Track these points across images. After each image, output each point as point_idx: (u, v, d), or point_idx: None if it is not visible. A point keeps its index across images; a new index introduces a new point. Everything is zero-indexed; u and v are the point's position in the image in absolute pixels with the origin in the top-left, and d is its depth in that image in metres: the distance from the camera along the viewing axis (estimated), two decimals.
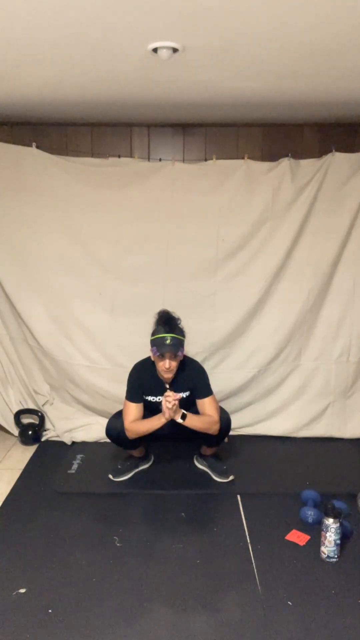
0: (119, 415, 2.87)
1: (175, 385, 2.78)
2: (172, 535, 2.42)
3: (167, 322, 2.72)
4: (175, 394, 2.64)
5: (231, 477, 2.91)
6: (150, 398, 2.81)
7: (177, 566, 2.21)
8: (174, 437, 2.90)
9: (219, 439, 2.93)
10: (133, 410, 2.75)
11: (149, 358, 2.80)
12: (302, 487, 2.75)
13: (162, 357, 2.65)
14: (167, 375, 2.71)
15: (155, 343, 2.66)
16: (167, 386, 2.77)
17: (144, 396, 2.80)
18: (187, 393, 2.81)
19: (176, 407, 2.63)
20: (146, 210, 3.28)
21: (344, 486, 2.84)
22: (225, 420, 2.86)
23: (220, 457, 3.11)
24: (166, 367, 2.65)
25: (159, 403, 2.73)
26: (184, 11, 1.68)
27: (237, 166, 3.26)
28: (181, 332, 2.73)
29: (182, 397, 2.76)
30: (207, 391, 2.80)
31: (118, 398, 3.22)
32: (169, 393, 2.63)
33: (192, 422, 2.68)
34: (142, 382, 2.79)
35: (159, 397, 2.77)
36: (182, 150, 3.42)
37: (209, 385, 2.83)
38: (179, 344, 2.67)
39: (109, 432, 2.89)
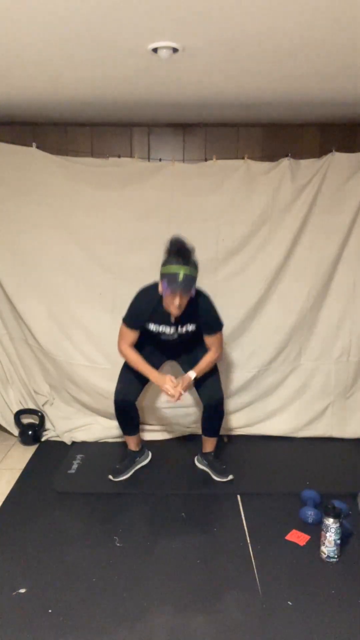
0: (125, 381, 2.87)
1: (182, 319, 2.67)
2: (172, 535, 2.42)
3: (180, 252, 2.48)
4: (175, 387, 2.66)
5: (230, 477, 2.91)
6: (152, 327, 2.69)
7: (177, 566, 2.21)
8: (178, 345, 2.86)
9: (218, 422, 2.99)
10: (129, 336, 2.72)
11: (155, 285, 2.64)
12: (302, 487, 2.75)
13: (173, 293, 2.46)
14: (175, 313, 2.56)
15: (167, 278, 2.45)
16: (173, 320, 2.66)
17: (146, 323, 2.70)
18: (194, 326, 2.72)
19: (186, 387, 2.69)
20: (146, 210, 3.28)
21: (344, 486, 2.84)
22: (219, 400, 2.91)
23: (220, 457, 3.11)
24: (176, 304, 2.48)
25: (162, 334, 2.69)
26: (184, 11, 1.68)
27: (237, 166, 3.26)
28: (195, 267, 2.50)
29: (188, 331, 2.71)
30: (215, 327, 2.74)
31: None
32: (168, 387, 2.65)
33: (201, 373, 2.75)
34: (146, 310, 2.66)
35: (162, 328, 2.67)
36: (182, 150, 3.42)
37: (218, 320, 2.74)
38: (192, 281, 2.48)
39: (117, 399, 2.89)
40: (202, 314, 2.72)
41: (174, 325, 2.72)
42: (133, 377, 2.85)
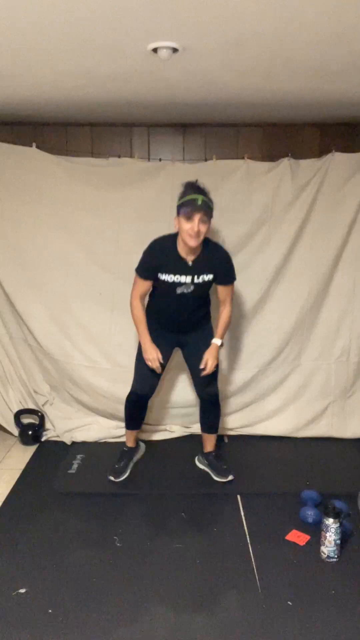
0: (144, 376, 2.86)
1: (198, 267, 2.66)
2: (172, 535, 2.42)
3: (197, 188, 2.57)
4: (157, 359, 2.70)
5: (230, 477, 2.91)
6: (166, 277, 2.66)
7: (177, 566, 2.21)
8: (192, 307, 2.84)
9: (216, 418, 3.04)
10: (142, 286, 2.72)
11: (169, 235, 2.69)
12: (302, 487, 2.75)
13: (190, 219, 2.47)
14: (192, 244, 2.52)
15: (184, 205, 2.49)
16: (190, 263, 2.64)
17: (160, 274, 2.66)
18: (211, 276, 2.71)
19: (215, 357, 2.77)
20: (146, 210, 3.28)
21: (344, 486, 2.84)
22: (216, 393, 2.97)
23: (222, 456, 3.10)
24: (195, 230, 2.47)
25: (175, 284, 2.66)
26: (184, 11, 1.68)
27: (237, 166, 3.26)
28: (212, 202, 2.57)
29: (205, 281, 2.70)
30: (232, 277, 2.77)
31: (118, 398, 3.22)
32: (152, 359, 2.69)
33: (222, 335, 2.81)
34: (160, 259, 2.65)
35: (177, 277, 2.65)
36: (182, 150, 3.42)
37: (233, 270, 2.77)
38: (210, 209, 2.52)
39: (139, 392, 2.91)
40: (219, 262, 2.72)
41: (191, 273, 2.66)
42: (150, 372, 2.83)
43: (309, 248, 3.33)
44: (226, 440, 3.48)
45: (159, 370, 2.77)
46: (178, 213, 2.57)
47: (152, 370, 2.81)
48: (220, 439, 3.36)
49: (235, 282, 3.32)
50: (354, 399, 3.52)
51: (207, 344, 2.82)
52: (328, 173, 3.24)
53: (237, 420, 3.52)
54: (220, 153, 3.34)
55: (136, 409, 2.98)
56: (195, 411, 3.44)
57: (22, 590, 2.06)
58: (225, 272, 2.76)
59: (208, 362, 2.75)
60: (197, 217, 2.48)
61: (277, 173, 3.25)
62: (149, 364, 2.74)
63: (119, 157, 3.33)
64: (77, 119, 3.23)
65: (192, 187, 2.59)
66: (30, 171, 3.23)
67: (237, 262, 3.31)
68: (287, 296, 3.37)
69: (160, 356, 2.74)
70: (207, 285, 2.75)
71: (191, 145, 3.41)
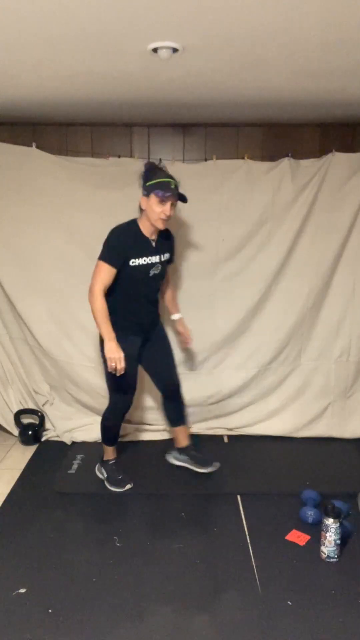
0: (129, 389, 2.78)
1: (160, 246, 2.69)
2: (172, 535, 2.42)
3: (165, 170, 2.60)
4: (118, 364, 2.54)
5: (217, 464, 2.91)
6: (135, 262, 2.59)
7: (177, 566, 2.21)
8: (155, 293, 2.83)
9: (183, 407, 3.02)
10: (108, 276, 2.53)
11: (129, 222, 2.64)
12: (302, 487, 2.75)
13: (163, 202, 2.51)
14: (161, 226, 2.57)
15: (159, 187, 2.49)
16: (154, 244, 2.65)
17: (132, 260, 2.58)
18: (168, 255, 2.77)
19: (184, 328, 2.94)
20: None
21: (344, 486, 2.84)
22: (178, 384, 2.97)
23: (198, 447, 3.08)
24: (167, 213, 2.52)
25: (148, 266, 2.62)
26: (184, 11, 1.68)
27: (237, 166, 3.26)
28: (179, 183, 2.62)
29: (166, 260, 2.75)
30: (174, 256, 2.89)
31: None
32: (117, 360, 2.51)
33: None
34: (129, 243, 2.58)
35: (148, 259, 2.62)
36: (182, 150, 3.42)
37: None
38: (179, 193, 2.57)
39: (125, 407, 2.84)
40: (171, 241, 2.83)
41: (157, 253, 2.68)
42: (132, 383, 2.78)
43: (309, 248, 3.33)
44: (226, 440, 3.48)
45: (122, 372, 2.56)
46: (147, 194, 2.54)
47: (133, 381, 2.75)
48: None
49: (235, 283, 3.35)
50: (354, 399, 3.52)
51: (164, 338, 2.90)
52: (328, 173, 3.24)
53: (237, 420, 3.52)
54: (220, 153, 3.34)
55: (119, 425, 2.91)
56: (195, 411, 3.45)
57: (22, 590, 2.06)
58: (173, 250, 2.85)
59: (187, 332, 2.87)
60: (170, 201, 2.52)
61: (277, 173, 3.25)
62: (114, 364, 2.51)
63: (119, 157, 3.33)
64: (77, 119, 3.23)
65: (160, 170, 2.60)
66: (30, 171, 3.23)
67: (237, 262, 3.34)
68: (287, 296, 3.37)
69: (123, 361, 2.55)
70: (167, 264, 2.79)
71: (191, 145, 3.41)
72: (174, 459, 3.10)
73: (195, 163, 3.34)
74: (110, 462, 2.93)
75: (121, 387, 2.76)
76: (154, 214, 2.55)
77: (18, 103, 2.84)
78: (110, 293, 2.62)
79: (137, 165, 3.28)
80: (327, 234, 3.31)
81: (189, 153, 3.41)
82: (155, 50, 1.99)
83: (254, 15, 1.70)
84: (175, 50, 1.99)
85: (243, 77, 2.37)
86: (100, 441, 3.38)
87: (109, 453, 2.94)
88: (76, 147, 3.38)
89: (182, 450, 3.06)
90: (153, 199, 2.53)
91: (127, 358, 2.60)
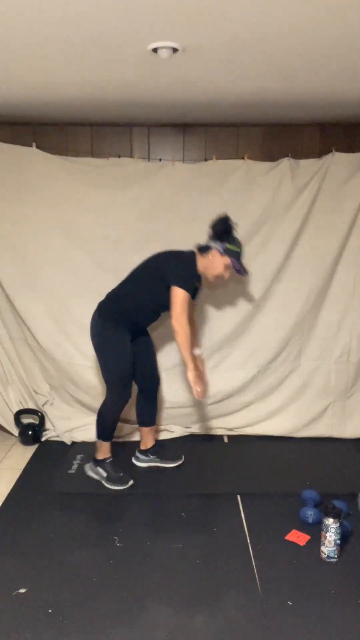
0: (128, 385, 2.83)
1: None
2: (172, 535, 2.42)
3: (234, 228, 2.72)
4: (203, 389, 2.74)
5: (183, 458, 3.01)
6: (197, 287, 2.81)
7: (177, 566, 2.21)
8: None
9: (157, 407, 3.09)
10: (187, 301, 2.63)
11: (192, 255, 2.73)
12: (302, 487, 2.75)
13: (229, 270, 2.67)
14: (211, 281, 2.72)
15: (234, 255, 2.66)
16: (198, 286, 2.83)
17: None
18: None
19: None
20: (146, 210, 3.28)
21: (344, 486, 2.84)
22: (159, 383, 3.06)
23: (162, 444, 3.12)
24: (224, 280, 2.71)
25: (197, 294, 2.83)
26: (184, 11, 1.68)
27: (237, 166, 3.26)
28: None
29: (198, 294, 2.87)
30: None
31: None
32: (198, 383, 2.67)
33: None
34: (195, 277, 2.73)
35: (193, 292, 2.76)
36: (182, 150, 3.42)
37: None
38: None
39: (124, 401, 2.84)
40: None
41: (198, 289, 2.86)
42: (131, 374, 2.83)
43: (309, 248, 3.33)
44: (226, 440, 3.48)
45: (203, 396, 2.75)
46: (222, 253, 2.64)
47: (131, 373, 2.81)
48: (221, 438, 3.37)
49: (236, 282, 3.35)
50: (354, 399, 3.52)
51: (148, 337, 2.99)
52: (328, 173, 3.24)
53: (237, 420, 3.52)
54: (220, 153, 3.34)
55: (118, 419, 2.90)
56: (195, 411, 3.45)
57: (22, 590, 2.06)
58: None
59: (203, 372, 2.90)
60: (235, 270, 2.70)
61: (277, 173, 3.25)
62: (199, 388, 2.68)
63: (119, 157, 3.33)
64: (77, 119, 3.23)
65: (234, 230, 2.70)
66: (30, 171, 3.23)
67: None
68: (287, 296, 3.37)
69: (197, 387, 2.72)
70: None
71: (191, 145, 3.41)
72: (140, 462, 3.09)
73: (195, 163, 3.33)
74: (108, 461, 2.90)
75: (122, 380, 2.80)
76: (216, 271, 2.68)
77: (18, 103, 2.84)
78: (138, 296, 2.74)
79: (137, 165, 3.29)
80: (327, 234, 3.31)
81: (189, 153, 3.41)
82: (155, 50, 1.99)
83: (254, 15, 1.71)
84: (175, 50, 1.99)
85: (243, 77, 2.37)
86: None
87: (105, 451, 2.91)
88: (76, 147, 3.38)
89: (148, 451, 3.08)
90: (227, 261, 2.66)
91: (126, 352, 2.75)
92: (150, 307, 2.80)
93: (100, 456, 2.91)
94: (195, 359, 2.77)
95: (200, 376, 2.89)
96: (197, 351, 2.95)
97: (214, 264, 2.69)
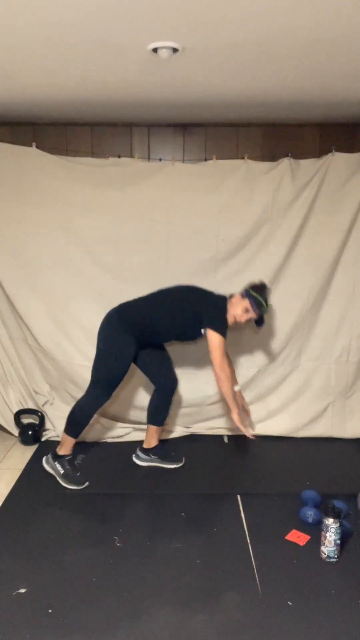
0: (110, 391, 2.86)
1: None
2: (172, 535, 2.42)
3: (268, 290, 2.96)
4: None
5: (182, 460, 3.02)
6: None
7: (177, 566, 2.21)
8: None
9: (169, 408, 3.10)
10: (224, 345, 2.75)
11: (224, 300, 2.84)
12: (302, 487, 2.75)
13: (251, 316, 2.80)
14: (230, 321, 2.81)
15: (260, 307, 2.79)
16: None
17: None
18: None
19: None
20: (146, 210, 3.28)
21: (344, 486, 2.84)
22: (177, 384, 3.09)
23: (163, 444, 3.12)
24: (242, 321, 2.81)
25: None
26: (184, 11, 1.68)
27: (237, 166, 3.26)
28: None
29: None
30: None
31: (118, 398, 3.23)
32: (243, 423, 2.81)
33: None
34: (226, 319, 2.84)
35: None
36: (182, 150, 3.42)
37: None
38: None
39: (83, 409, 2.85)
40: None
41: None
42: (120, 380, 2.86)
43: (308, 248, 3.33)
44: (226, 440, 3.48)
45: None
46: (255, 305, 2.77)
47: (121, 379, 2.85)
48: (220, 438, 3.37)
49: (235, 282, 3.34)
50: (354, 399, 3.52)
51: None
52: (328, 173, 3.24)
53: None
54: (220, 153, 3.34)
55: (92, 417, 2.90)
56: (195, 411, 3.45)
57: (22, 590, 2.06)
58: None
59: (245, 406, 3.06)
60: (253, 319, 2.85)
61: (277, 173, 3.25)
62: (248, 429, 2.82)
63: (119, 157, 3.33)
64: (77, 119, 3.23)
65: (266, 296, 2.86)
66: (30, 171, 3.23)
67: (237, 262, 3.34)
68: (287, 296, 3.37)
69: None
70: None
71: (191, 145, 3.41)
72: (140, 461, 3.09)
73: (195, 163, 3.33)
74: (67, 458, 2.87)
75: (110, 383, 2.83)
76: (239, 313, 2.80)
77: (18, 103, 2.84)
78: (160, 319, 2.82)
79: (137, 165, 3.29)
80: (327, 233, 3.31)
81: (189, 153, 3.41)
82: (155, 50, 1.99)
83: (254, 15, 1.71)
84: (175, 50, 1.99)
85: (243, 77, 2.37)
86: (102, 440, 3.40)
87: (68, 447, 2.87)
88: (76, 147, 3.38)
89: (151, 450, 3.08)
90: (246, 304, 2.78)
91: (126, 359, 2.79)
92: (168, 333, 2.89)
93: (62, 451, 2.88)
94: (236, 396, 2.91)
95: (247, 413, 3.13)
96: (236, 388, 3.03)
97: (233, 306, 2.81)
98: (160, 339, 2.97)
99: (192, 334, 2.86)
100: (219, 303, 2.83)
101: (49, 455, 2.92)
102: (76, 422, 2.86)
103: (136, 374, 3.24)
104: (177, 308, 2.82)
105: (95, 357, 2.86)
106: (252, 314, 2.80)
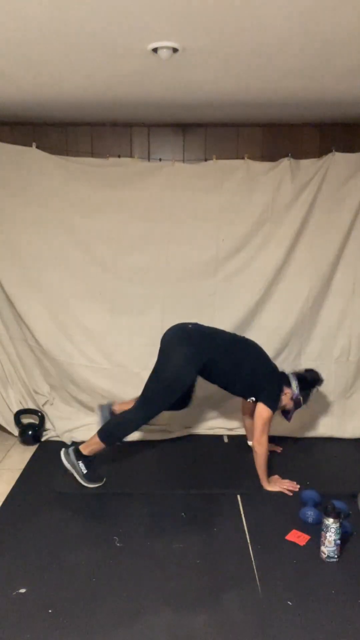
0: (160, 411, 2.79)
1: None
2: (172, 535, 2.42)
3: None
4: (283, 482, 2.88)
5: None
6: None
7: (177, 566, 2.21)
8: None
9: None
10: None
11: (282, 388, 2.90)
12: (302, 487, 2.75)
13: (291, 405, 2.94)
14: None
15: (304, 398, 2.95)
16: None
17: None
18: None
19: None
20: (146, 210, 3.28)
21: (344, 486, 2.84)
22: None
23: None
24: (284, 407, 2.95)
25: None
26: (184, 11, 1.68)
27: (237, 166, 3.26)
28: None
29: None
30: None
31: (117, 398, 3.22)
32: (285, 486, 2.82)
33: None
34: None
35: None
36: (182, 150, 3.42)
37: None
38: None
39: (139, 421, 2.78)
40: None
41: None
42: (168, 405, 2.80)
43: (309, 248, 3.33)
44: (226, 440, 3.48)
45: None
46: (303, 396, 2.92)
47: (171, 403, 2.79)
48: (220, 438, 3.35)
49: (236, 282, 3.35)
50: (354, 399, 3.52)
51: None
52: (328, 173, 3.24)
53: (237, 420, 3.51)
54: (220, 153, 3.34)
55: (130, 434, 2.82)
56: (195, 411, 3.45)
57: (22, 590, 2.06)
58: None
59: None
60: (289, 410, 2.98)
61: (277, 173, 3.25)
62: (291, 489, 2.80)
63: (119, 157, 3.33)
64: (77, 119, 3.23)
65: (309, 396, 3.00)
66: (30, 171, 3.23)
67: (237, 262, 3.34)
68: (287, 296, 3.37)
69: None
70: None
71: (191, 145, 3.41)
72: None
73: (195, 163, 3.33)
74: (92, 459, 2.82)
75: (163, 406, 2.78)
76: (286, 401, 2.91)
77: (18, 103, 2.84)
78: (230, 366, 2.85)
79: (137, 165, 3.29)
80: (327, 234, 3.31)
81: (189, 153, 3.41)
82: (155, 50, 1.99)
83: (254, 15, 1.71)
84: (175, 50, 1.99)
85: (243, 77, 2.37)
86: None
87: (95, 451, 2.79)
88: (76, 147, 3.38)
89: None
90: (294, 395, 2.90)
91: (187, 381, 2.77)
92: (223, 381, 2.89)
93: (87, 452, 2.80)
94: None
95: (278, 450, 3.25)
96: (278, 449, 3.24)
97: (287, 399, 2.93)
98: (216, 381, 2.92)
99: (240, 392, 2.95)
100: (280, 384, 2.90)
101: (71, 452, 2.81)
102: (116, 435, 2.79)
103: (139, 376, 3.24)
104: (247, 367, 2.85)
105: (157, 371, 2.75)
106: (298, 406, 2.96)
